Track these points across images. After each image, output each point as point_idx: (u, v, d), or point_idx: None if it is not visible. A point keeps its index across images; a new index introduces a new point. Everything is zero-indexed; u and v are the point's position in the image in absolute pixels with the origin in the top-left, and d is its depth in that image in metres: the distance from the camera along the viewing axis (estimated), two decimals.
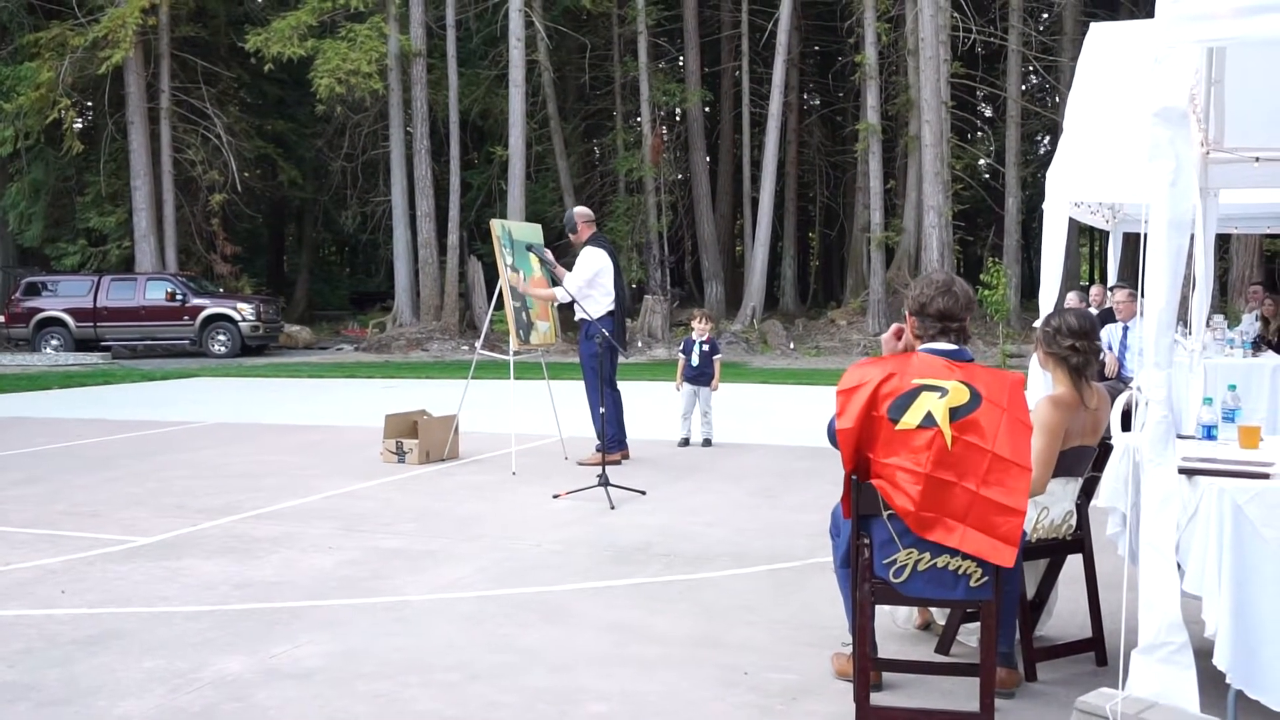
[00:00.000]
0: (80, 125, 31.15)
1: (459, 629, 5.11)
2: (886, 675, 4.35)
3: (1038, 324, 4.77)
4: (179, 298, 26.08)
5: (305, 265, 41.40)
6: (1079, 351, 4.43)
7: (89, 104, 31.55)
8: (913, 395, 3.72)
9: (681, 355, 11.05)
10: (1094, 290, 13.15)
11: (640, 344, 25.92)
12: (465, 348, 26.62)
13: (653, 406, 13.79)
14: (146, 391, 17.78)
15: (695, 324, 11.04)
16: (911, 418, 3.68)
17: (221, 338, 26.01)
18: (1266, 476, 3.80)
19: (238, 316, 26.08)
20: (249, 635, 5.01)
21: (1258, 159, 5.98)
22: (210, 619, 5.27)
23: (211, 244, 31.88)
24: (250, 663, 4.64)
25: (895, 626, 5.01)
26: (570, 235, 10.05)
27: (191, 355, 25.89)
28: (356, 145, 32.17)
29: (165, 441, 11.53)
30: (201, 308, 26.17)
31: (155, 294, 26.18)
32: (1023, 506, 3.64)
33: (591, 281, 9.67)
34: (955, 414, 3.68)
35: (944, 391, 3.71)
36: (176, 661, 4.65)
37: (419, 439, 9.91)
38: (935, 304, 3.95)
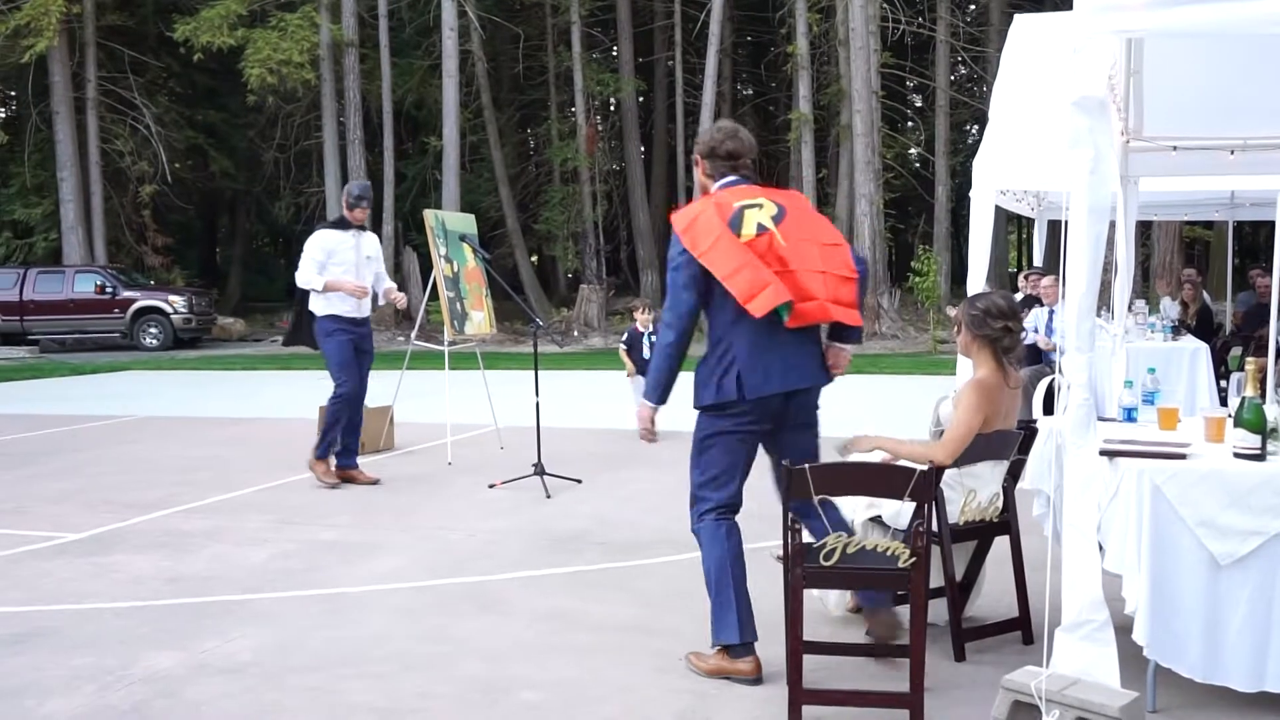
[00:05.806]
0: (3, 115, 30.46)
1: (393, 620, 5.10)
2: (819, 658, 4.41)
3: (954, 310, 4.82)
4: (109, 290, 25.62)
5: (239, 257, 40.83)
6: (1011, 332, 4.51)
7: (12, 93, 30.92)
8: (740, 214, 4.19)
9: (623, 345, 10.97)
10: (1022, 279, 13.31)
11: (576, 333, 25.88)
12: (400, 338, 26.40)
13: (590, 395, 13.80)
14: (75, 386, 17.47)
15: (638, 315, 10.88)
16: (747, 230, 4.15)
17: (153, 330, 25.59)
18: (1184, 457, 3.90)
19: (169, 309, 25.67)
20: (180, 631, 4.96)
21: (1175, 148, 6.11)
22: (140, 615, 5.22)
23: (142, 235, 31.35)
24: (181, 658, 4.59)
25: (827, 610, 5.06)
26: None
27: (122, 348, 25.44)
28: (289, 135, 31.74)
29: (95, 436, 11.36)
30: (132, 300, 25.71)
31: (84, 286, 25.70)
32: (854, 274, 4.25)
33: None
34: (775, 220, 4.20)
35: (760, 205, 4.24)
36: (105, 658, 4.60)
37: None
38: (724, 146, 4.40)
